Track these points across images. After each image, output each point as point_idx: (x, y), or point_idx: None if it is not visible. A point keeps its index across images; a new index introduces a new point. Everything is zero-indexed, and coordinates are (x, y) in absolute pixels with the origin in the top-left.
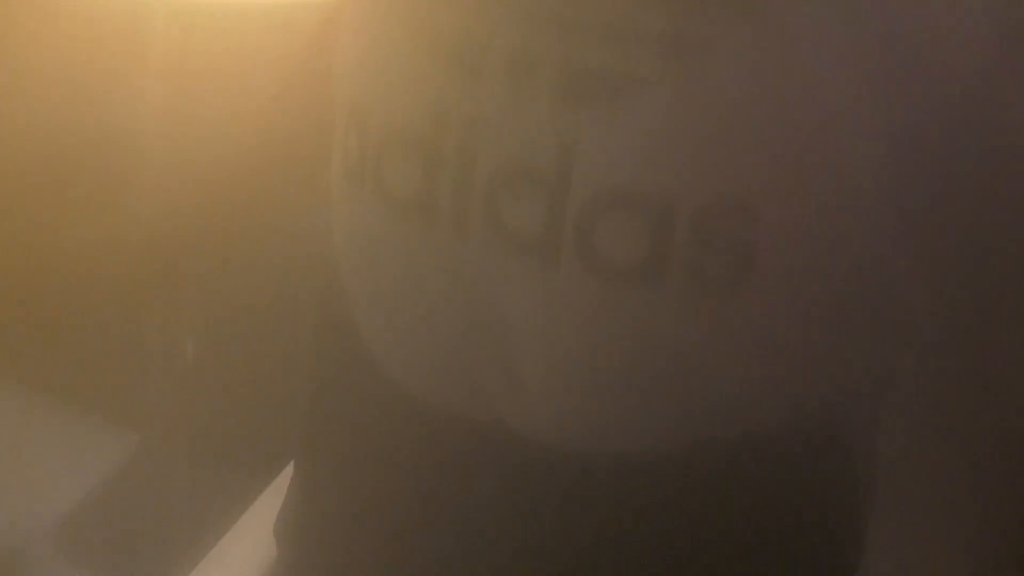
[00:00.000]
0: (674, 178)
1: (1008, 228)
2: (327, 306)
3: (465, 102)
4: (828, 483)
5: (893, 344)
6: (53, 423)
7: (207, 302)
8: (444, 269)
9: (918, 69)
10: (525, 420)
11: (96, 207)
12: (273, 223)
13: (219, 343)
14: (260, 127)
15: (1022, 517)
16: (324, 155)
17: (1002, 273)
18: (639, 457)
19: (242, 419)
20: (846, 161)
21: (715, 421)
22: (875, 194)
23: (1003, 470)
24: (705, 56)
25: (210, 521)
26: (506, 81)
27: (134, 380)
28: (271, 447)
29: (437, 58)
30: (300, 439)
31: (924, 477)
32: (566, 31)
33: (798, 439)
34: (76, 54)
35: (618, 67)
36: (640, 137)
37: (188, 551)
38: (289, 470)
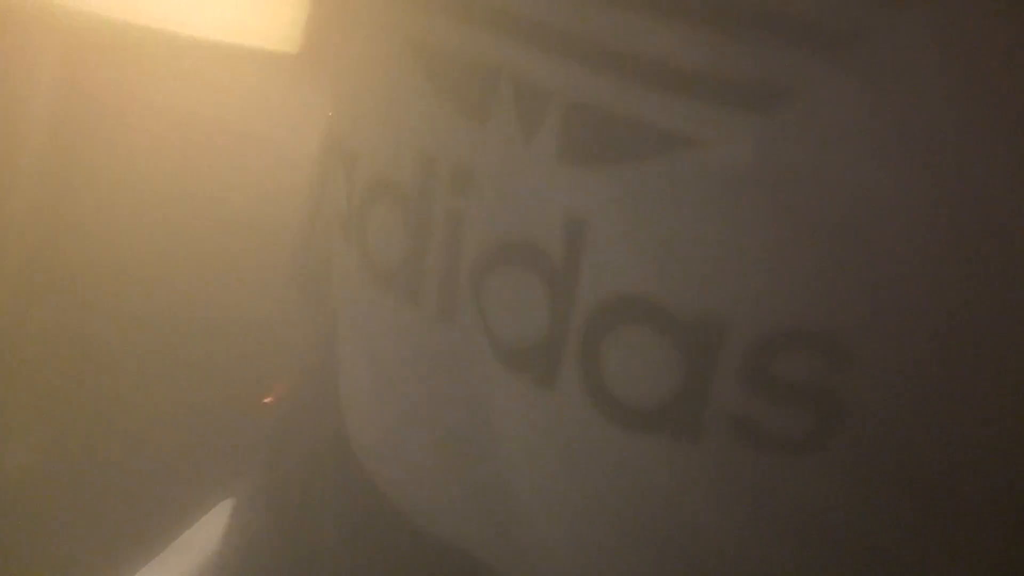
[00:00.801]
0: (727, 290)
1: None
2: (318, 371)
3: (458, 147)
4: None
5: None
6: None
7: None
8: (428, 359)
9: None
10: (513, 557)
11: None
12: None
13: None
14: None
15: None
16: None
17: None
18: None
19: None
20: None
21: None
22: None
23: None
24: (786, 115)
25: None
26: (510, 123)
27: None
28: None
29: (432, 89)
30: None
31: None
32: (592, 65)
33: None
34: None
35: (658, 120)
36: (680, 222)
37: None
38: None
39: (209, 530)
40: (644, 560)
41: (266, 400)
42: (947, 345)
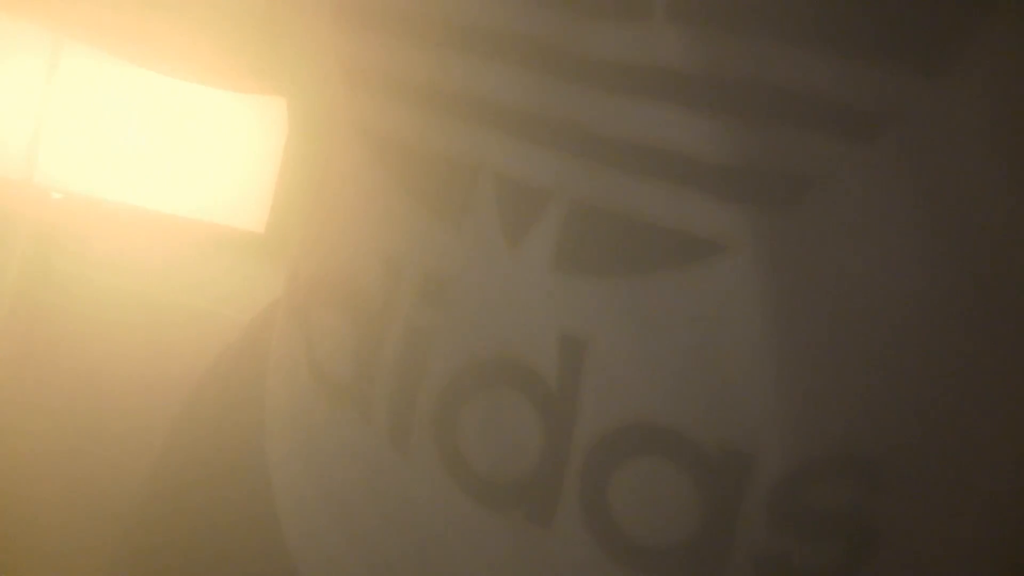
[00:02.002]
0: (754, 416)
1: None
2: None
3: (429, 253)
4: None
5: None
6: None
7: None
8: (379, 483)
9: None
10: None
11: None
12: None
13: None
14: None
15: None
16: None
17: None
18: None
19: None
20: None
21: None
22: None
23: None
24: (812, 209)
25: None
26: (491, 226)
27: None
28: None
29: (399, 187)
30: None
31: None
32: (595, 160)
33: None
34: None
35: (672, 222)
36: (698, 340)
37: None
38: None
39: None
40: None
41: None
42: (981, 463)
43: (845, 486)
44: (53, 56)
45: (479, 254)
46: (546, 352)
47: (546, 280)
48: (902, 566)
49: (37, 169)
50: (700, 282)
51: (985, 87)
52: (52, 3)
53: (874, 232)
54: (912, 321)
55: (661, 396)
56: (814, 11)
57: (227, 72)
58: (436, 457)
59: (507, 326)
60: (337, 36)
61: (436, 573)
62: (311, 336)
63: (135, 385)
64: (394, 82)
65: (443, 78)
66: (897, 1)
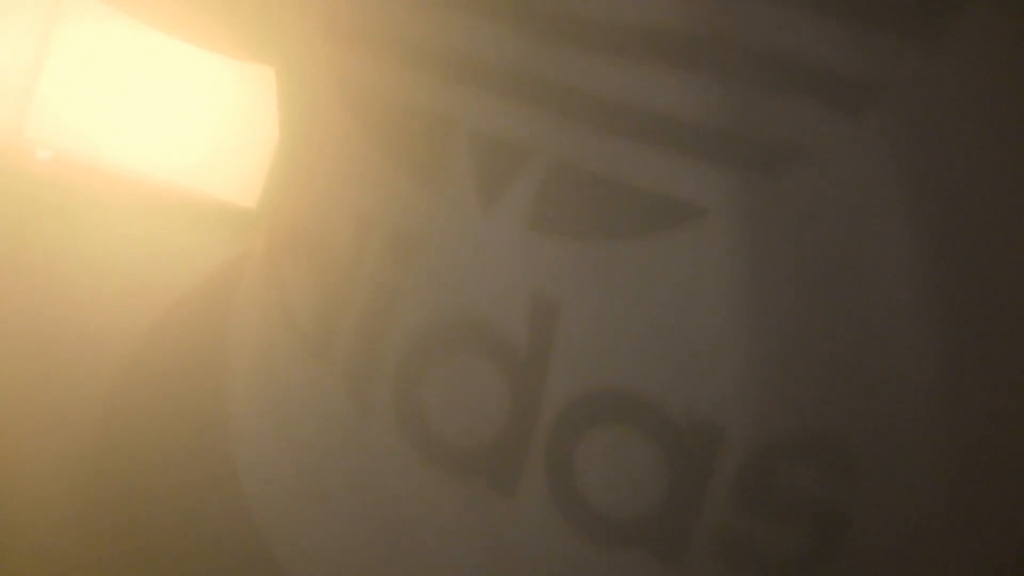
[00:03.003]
0: (728, 388)
1: None
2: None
3: (398, 210)
4: None
5: None
6: None
7: None
8: (339, 436)
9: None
10: None
11: None
12: None
13: None
14: None
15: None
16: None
17: None
18: None
19: None
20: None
21: None
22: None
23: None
24: (797, 178)
25: None
26: (464, 184)
27: None
28: None
29: (370, 142)
30: None
31: None
32: (577, 119)
33: None
34: None
35: (655, 184)
36: (676, 307)
37: None
38: None
39: None
40: None
41: None
42: (954, 449)
43: (815, 468)
44: (51, 11)
45: (452, 214)
46: (516, 315)
47: (520, 241)
48: (869, 553)
49: (27, 125)
50: (676, 247)
51: (977, 57)
52: None
53: (857, 206)
54: (889, 300)
55: (632, 363)
56: None
57: (219, 38)
58: (395, 418)
59: (477, 288)
60: None
61: (391, 535)
62: (283, 285)
63: (112, 356)
64: (373, 37)
65: (422, 34)
66: None
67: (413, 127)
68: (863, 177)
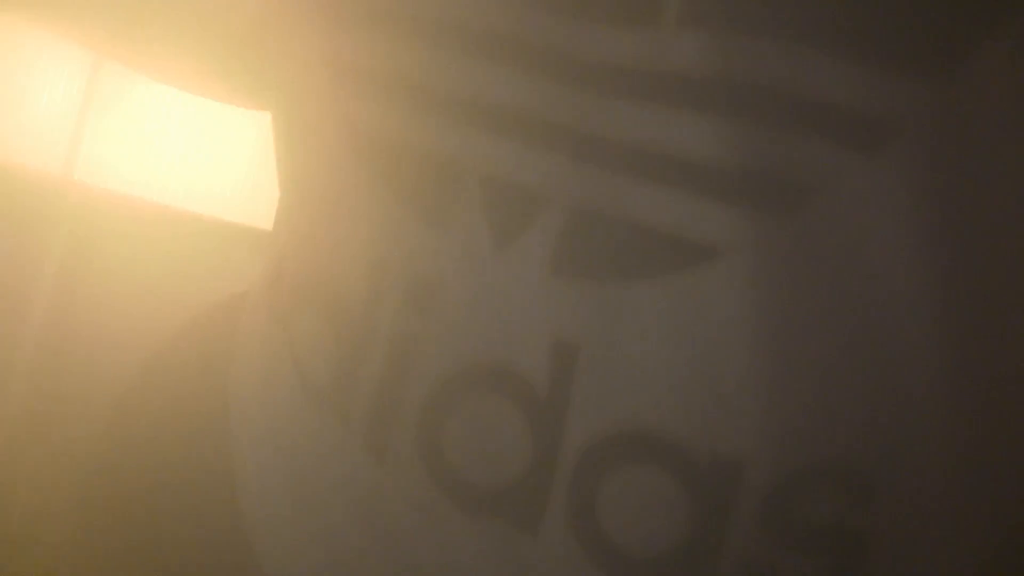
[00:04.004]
0: (746, 424)
1: None
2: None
3: (415, 255)
4: None
5: None
6: None
7: None
8: (354, 491)
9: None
10: None
11: None
12: None
13: None
14: None
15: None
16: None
17: None
18: None
19: None
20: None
21: None
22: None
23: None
24: (811, 215)
25: None
26: (481, 223)
27: None
28: None
29: (383, 187)
30: None
31: None
32: (593, 164)
33: None
34: None
35: (673, 226)
36: (693, 347)
37: None
38: None
39: None
40: None
41: None
42: (974, 478)
43: (835, 497)
44: (92, 70)
45: (466, 258)
46: (536, 358)
47: (538, 285)
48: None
49: (76, 167)
50: (695, 288)
51: (992, 95)
52: (92, 27)
53: (874, 243)
54: (907, 334)
55: (653, 404)
56: (822, 16)
57: (223, 90)
58: (418, 464)
59: (496, 331)
60: (326, 34)
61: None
62: (293, 337)
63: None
64: (383, 81)
65: (434, 78)
66: (905, 8)
67: (423, 171)
68: (878, 215)
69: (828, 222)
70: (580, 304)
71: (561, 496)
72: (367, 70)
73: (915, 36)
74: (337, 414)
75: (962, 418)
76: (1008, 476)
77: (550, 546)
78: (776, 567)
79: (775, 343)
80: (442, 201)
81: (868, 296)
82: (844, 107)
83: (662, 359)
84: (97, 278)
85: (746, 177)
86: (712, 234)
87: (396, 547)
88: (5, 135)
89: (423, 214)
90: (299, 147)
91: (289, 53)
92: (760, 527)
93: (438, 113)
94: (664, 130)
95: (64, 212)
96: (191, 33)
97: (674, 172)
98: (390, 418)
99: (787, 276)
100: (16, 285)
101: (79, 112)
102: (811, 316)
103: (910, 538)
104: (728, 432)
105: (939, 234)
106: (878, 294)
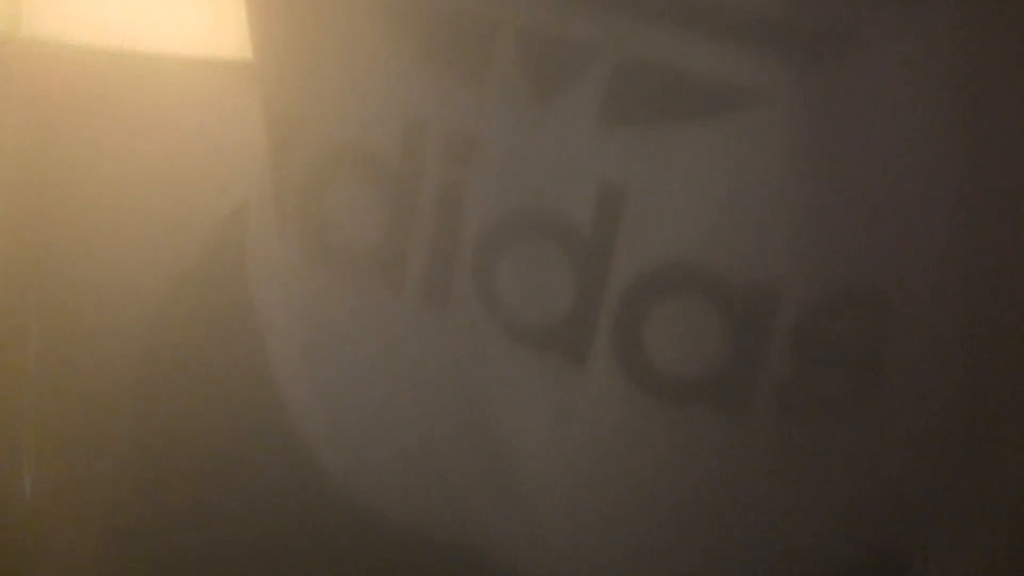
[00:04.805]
0: (782, 253)
1: None
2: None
3: (455, 111)
4: None
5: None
6: None
7: None
8: (408, 352)
9: None
10: (525, 558)
11: None
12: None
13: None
14: None
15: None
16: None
17: None
18: None
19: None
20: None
21: (773, 570)
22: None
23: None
24: (852, 63)
25: None
26: (525, 76)
27: None
28: None
29: (413, 47)
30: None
31: None
32: (638, 13)
33: None
34: None
35: (717, 72)
36: (736, 184)
37: None
38: None
39: None
40: (679, 539)
41: None
42: (986, 306)
43: (861, 318)
44: None
45: (507, 112)
46: (583, 201)
47: (587, 132)
48: (904, 395)
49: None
50: (737, 130)
51: None
52: None
53: (911, 89)
54: (930, 173)
55: (695, 239)
56: None
57: None
58: (478, 308)
59: (542, 178)
60: None
61: (478, 414)
62: (320, 213)
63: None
64: None
65: None
66: None
67: (453, 25)
68: (919, 62)
69: (870, 69)
70: (625, 148)
71: (607, 328)
72: None
73: None
74: (383, 275)
75: (975, 248)
76: (1013, 299)
77: (597, 374)
78: (804, 383)
79: (809, 181)
80: (475, 55)
81: (897, 139)
82: None
83: (704, 197)
84: (67, 146)
85: (789, 25)
86: (754, 80)
87: (453, 387)
88: None
89: (456, 69)
90: (308, 10)
91: None
92: (791, 348)
93: None
94: None
95: (14, 74)
96: None
97: (718, 20)
98: (448, 268)
99: (823, 120)
100: None
101: None
102: (843, 156)
103: (923, 359)
104: (765, 263)
105: (980, 80)
106: (907, 136)
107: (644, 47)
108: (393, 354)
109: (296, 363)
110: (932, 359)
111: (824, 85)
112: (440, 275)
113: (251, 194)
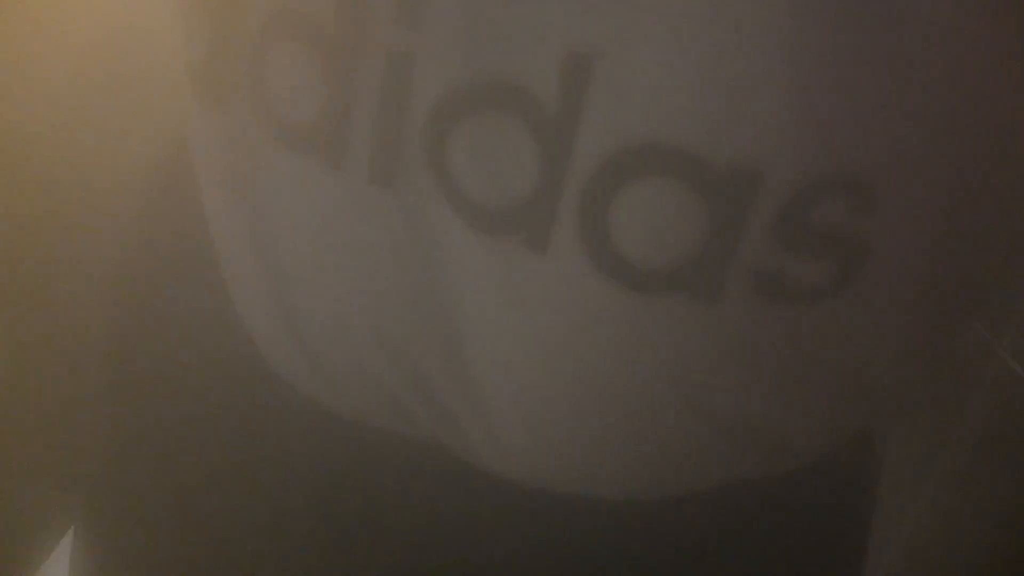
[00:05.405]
0: (767, 133)
1: None
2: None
3: None
4: (846, 519)
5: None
6: None
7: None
8: (353, 232)
9: None
10: (480, 451)
11: None
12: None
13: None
14: None
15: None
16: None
17: None
18: (638, 506)
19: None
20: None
21: (745, 460)
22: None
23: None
24: None
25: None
26: None
27: None
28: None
29: None
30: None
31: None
32: None
33: (827, 475)
34: None
35: None
36: (715, 55)
37: None
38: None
39: None
40: (651, 430)
41: None
42: (964, 182)
43: (844, 203)
44: None
45: None
46: (545, 70)
47: None
48: (887, 284)
49: None
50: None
51: None
52: None
53: None
54: (915, 53)
55: (672, 114)
56: None
57: None
58: (427, 186)
59: (500, 44)
60: None
61: (425, 296)
62: (262, 82)
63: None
64: None
65: None
66: None
67: None
68: None
69: None
70: (593, 11)
71: (572, 213)
72: None
73: None
74: (325, 149)
75: (962, 135)
76: (996, 195)
77: (560, 261)
78: (785, 270)
79: (797, 53)
80: None
81: (893, 13)
82: None
83: (681, 68)
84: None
85: None
86: None
87: (405, 271)
88: None
89: None
90: None
91: None
92: (774, 232)
93: None
94: None
95: None
96: None
97: None
98: (395, 143)
99: None
100: None
101: None
102: (831, 28)
103: (906, 242)
104: (748, 142)
105: None
106: (904, 12)
107: None
108: (338, 234)
109: (242, 244)
110: (910, 250)
111: None
112: (386, 150)
113: (192, 73)
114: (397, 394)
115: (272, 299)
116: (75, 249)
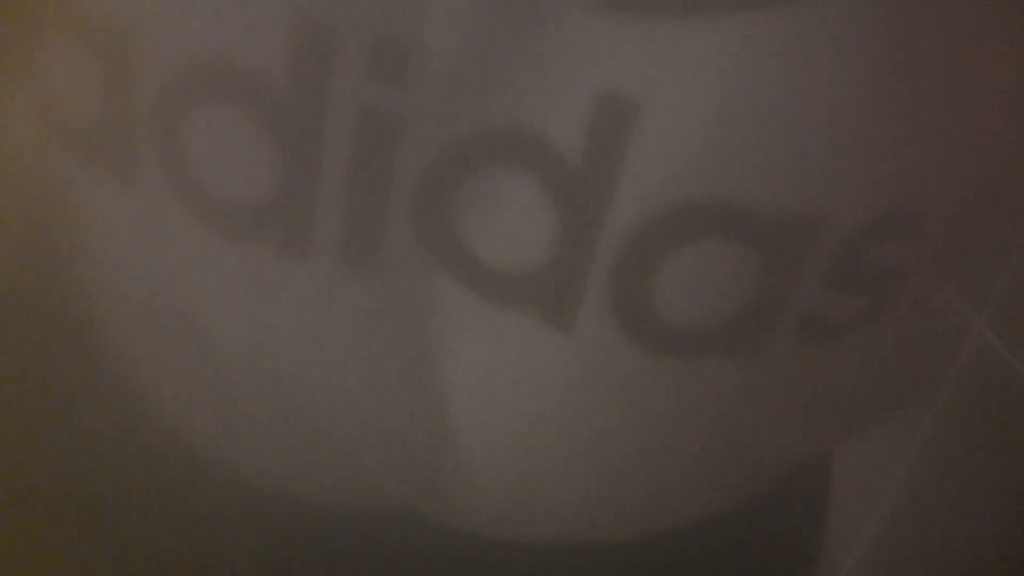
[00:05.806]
0: (820, 177)
1: None
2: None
3: (371, 4)
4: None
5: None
6: None
7: None
8: (324, 328)
9: None
10: (466, 518)
11: None
12: None
13: None
14: None
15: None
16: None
17: None
18: (623, 546)
19: None
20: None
21: (735, 490)
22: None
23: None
24: None
25: None
26: None
27: None
28: None
29: None
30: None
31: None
32: None
33: (789, 503)
34: None
35: None
36: (761, 96)
37: None
38: None
39: None
40: (665, 489)
41: None
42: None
43: (896, 240)
44: None
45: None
46: (569, 117)
47: (577, 27)
48: (915, 305)
49: None
50: (775, 29)
51: None
52: None
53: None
54: (973, 84)
55: (725, 166)
56: None
57: None
58: (419, 262)
59: (513, 88)
60: None
61: (422, 376)
62: (176, 151)
63: None
64: None
65: None
66: None
67: None
68: None
69: None
70: (630, 48)
71: (604, 282)
72: None
73: None
74: (280, 238)
75: (998, 156)
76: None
77: (586, 335)
78: (828, 313)
79: (859, 93)
80: None
81: (950, 43)
82: None
83: (734, 114)
84: None
85: None
86: None
87: (386, 362)
88: None
89: None
90: None
91: None
92: (824, 280)
93: None
94: None
95: None
96: None
97: None
98: (378, 221)
99: (869, 20)
100: None
101: None
102: (884, 63)
103: (937, 264)
104: (807, 187)
105: None
106: (957, 48)
107: None
108: (302, 332)
109: (167, 343)
110: (938, 271)
111: None
112: (368, 233)
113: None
114: (373, 477)
115: (209, 400)
116: None
